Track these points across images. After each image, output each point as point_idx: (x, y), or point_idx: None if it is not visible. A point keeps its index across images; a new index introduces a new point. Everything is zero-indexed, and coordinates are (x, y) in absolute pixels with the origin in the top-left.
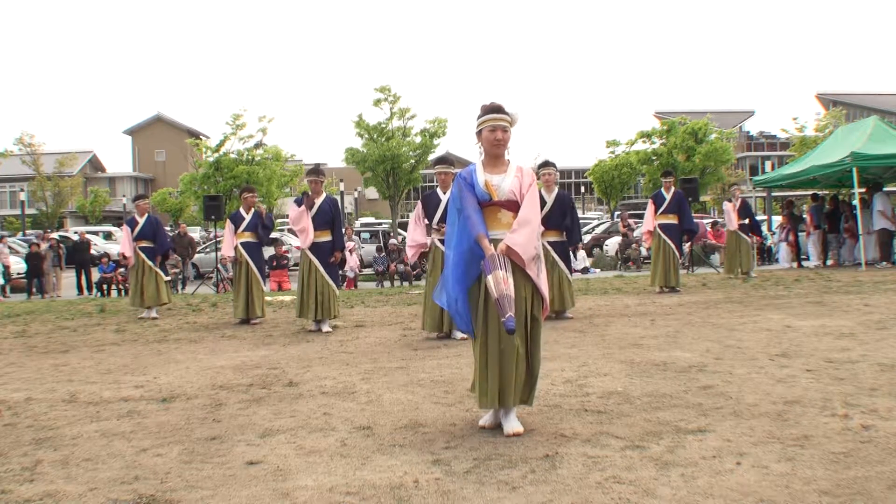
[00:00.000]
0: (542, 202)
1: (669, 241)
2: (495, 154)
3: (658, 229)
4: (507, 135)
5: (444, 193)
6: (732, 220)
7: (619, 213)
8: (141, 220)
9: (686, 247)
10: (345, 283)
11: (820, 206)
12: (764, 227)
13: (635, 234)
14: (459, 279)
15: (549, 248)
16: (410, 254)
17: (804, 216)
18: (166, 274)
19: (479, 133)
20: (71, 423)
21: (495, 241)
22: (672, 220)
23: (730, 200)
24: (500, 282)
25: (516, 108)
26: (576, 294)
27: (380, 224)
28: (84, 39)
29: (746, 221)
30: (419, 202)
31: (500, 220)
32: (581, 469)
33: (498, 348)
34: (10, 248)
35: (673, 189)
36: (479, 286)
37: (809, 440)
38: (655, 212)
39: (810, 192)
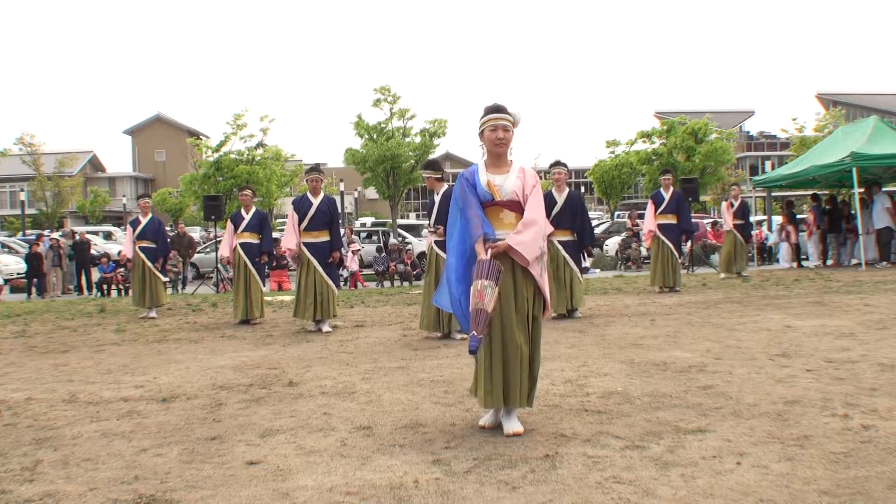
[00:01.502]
0: (553, 202)
1: (668, 242)
2: (497, 154)
3: (657, 230)
4: (508, 134)
5: (436, 195)
6: (728, 220)
7: (620, 212)
8: (144, 221)
9: (686, 247)
10: (348, 283)
11: (818, 205)
12: (764, 227)
13: (640, 234)
14: (461, 279)
15: (559, 247)
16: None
17: (802, 216)
18: (164, 275)
19: (481, 133)
20: (71, 423)
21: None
22: (671, 220)
23: (726, 199)
24: (476, 294)
25: (518, 109)
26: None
27: (381, 224)
28: (84, 39)
29: (742, 222)
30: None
31: (503, 221)
32: (581, 469)
33: (501, 348)
34: (9, 248)
35: (672, 188)
36: None
37: (809, 440)
38: (655, 211)
39: (810, 193)
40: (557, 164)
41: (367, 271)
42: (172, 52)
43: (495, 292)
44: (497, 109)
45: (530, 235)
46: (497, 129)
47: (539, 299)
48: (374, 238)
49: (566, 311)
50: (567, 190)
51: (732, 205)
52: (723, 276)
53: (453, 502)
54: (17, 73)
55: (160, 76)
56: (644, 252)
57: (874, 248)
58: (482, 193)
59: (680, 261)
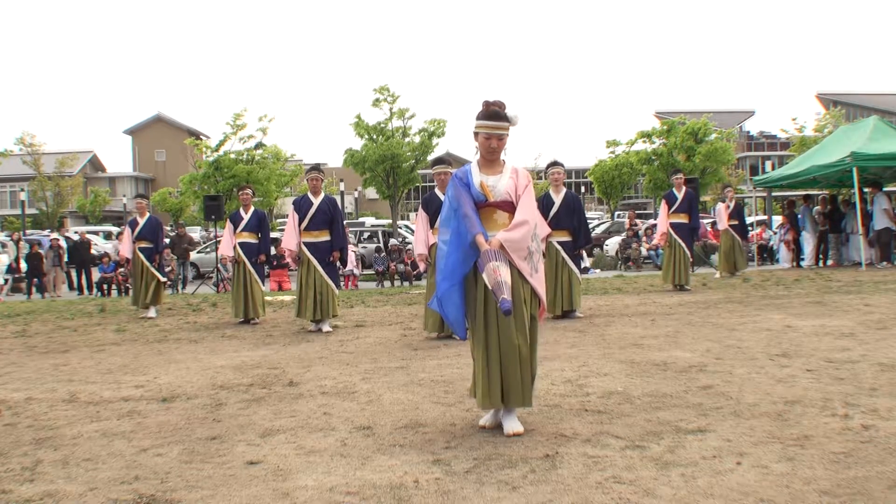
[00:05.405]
0: (551, 202)
1: (680, 241)
2: (490, 158)
3: (669, 229)
4: (502, 143)
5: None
6: (723, 220)
7: (620, 212)
8: (141, 221)
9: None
10: (344, 282)
11: (809, 207)
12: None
13: (639, 234)
14: (447, 276)
15: (558, 248)
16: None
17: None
18: (164, 276)
19: (475, 134)
20: (71, 423)
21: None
22: (683, 219)
23: (723, 201)
24: (492, 272)
25: (516, 111)
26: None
27: (358, 224)
28: (84, 39)
29: (737, 222)
30: (420, 208)
31: (496, 221)
32: (581, 469)
33: (499, 348)
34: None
35: (684, 188)
36: (476, 287)
37: (809, 440)
38: (668, 211)
39: (813, 193)
40: (555, 164)
41: (367, 271)
42: (172, 52)
43: (509, 269)
44: (492, 116)
45: (520, 234)
46: (491, 139)
47: (535, 300)
48: (363, 238)
49: (561, 312)
50: (564, 190)
51: (729, 206)
52: (717, 275)
53: (453, 502)
54: (17, 73)
55: (160, 76)
56: (644, 252)
57: (875, 248)
58: (475, 194)
59: (691, 260)
